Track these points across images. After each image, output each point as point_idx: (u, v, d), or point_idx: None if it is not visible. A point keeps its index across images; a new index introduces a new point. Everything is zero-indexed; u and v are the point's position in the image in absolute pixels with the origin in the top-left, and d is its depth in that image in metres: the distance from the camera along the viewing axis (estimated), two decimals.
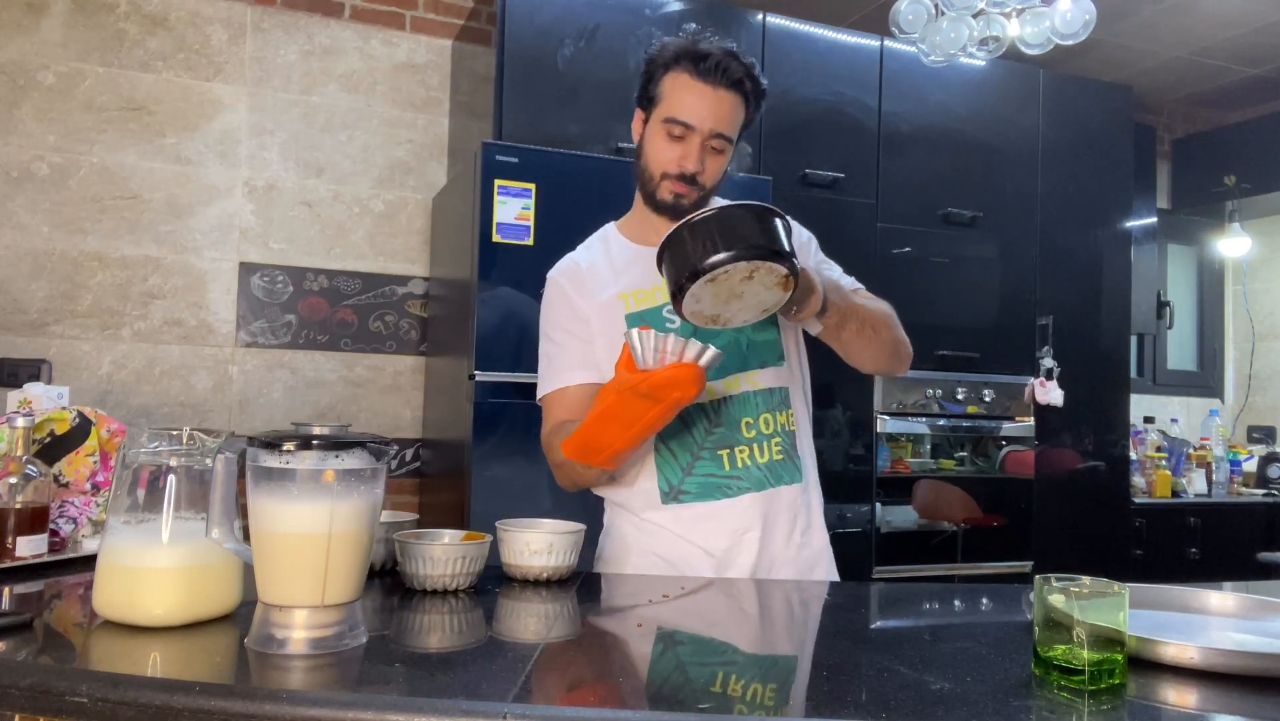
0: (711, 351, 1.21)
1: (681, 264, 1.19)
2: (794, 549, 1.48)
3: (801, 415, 1.53)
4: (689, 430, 1.44)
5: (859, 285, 1.59)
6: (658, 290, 1.46)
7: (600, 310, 1.48)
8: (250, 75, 3.04)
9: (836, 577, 1.53)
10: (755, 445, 1.46)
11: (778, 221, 1.22)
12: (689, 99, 1.40)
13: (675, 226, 1.22)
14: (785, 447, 1.48)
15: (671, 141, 1.42)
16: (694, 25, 1.46)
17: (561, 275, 1.54)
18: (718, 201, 1.57)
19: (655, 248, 1.43)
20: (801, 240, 1.57)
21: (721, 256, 1.16)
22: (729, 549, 1.44)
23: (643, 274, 1.48)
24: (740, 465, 1.45)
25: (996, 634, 1.11)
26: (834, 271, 1.58)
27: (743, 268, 1.17)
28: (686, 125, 1.40)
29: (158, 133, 2.93)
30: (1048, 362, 3.31)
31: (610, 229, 1.58)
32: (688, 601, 1.23)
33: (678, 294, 1.20)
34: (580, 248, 1.58)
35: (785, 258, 1.19)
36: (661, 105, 1.43)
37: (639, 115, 1.49)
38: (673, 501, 1.45)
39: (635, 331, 1.23)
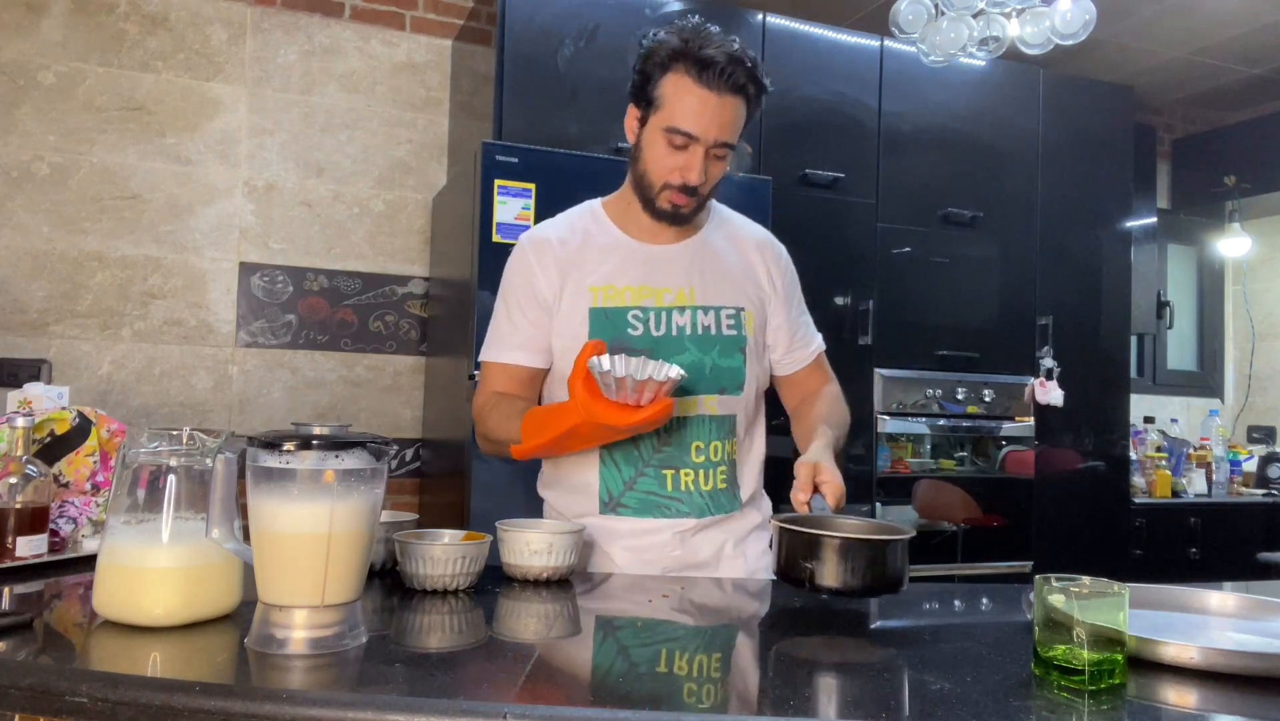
0: (676, 371, 1.22)
1: (802, 559, 1.11)
2: (721, 569, 1.46)
3: (747, 443, 1.51)
4: (636, 445, 1.42)
5: (820, 346, 1.60)
6: (629, 290, 1.43)
7: (565, 294, 1.43)
8: (250, 75, 3.04)
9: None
10: (701, 470, 1.43)
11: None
12: (692, 106, 1.33)
13: (830, 536, 1.10)
14: (728, 477, 1.47)
15: (673, 150, 1.36)
16: (695, 18, 1.39)
17: (531, 247, 1.47)
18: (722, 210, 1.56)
19: (639, 241, 1.45)
20: (785, 280, 1.56)
21: (835, 586, 1.09)
22: (656, 565, 1.43)
23: (618, 267, 1.44)
24: (683, 488, 1.43)
25: (996, 634, 1.11)
26: (807, 323, 1.60)
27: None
28: (689, 135, 1.34)
29: (158, 133, 2.93)
30: (1048, 363, 3.31)
31: (597, 207, 1.51)
32: (688, 601, 1.23)
33: (790, 568, 1.13)
34: (560, 217, 1.51)
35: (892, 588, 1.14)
36: (662, 111, 1.36)
37: (633, 112, 1.41)
38: (610, 512, 1.43)
39: (599, 363, 1.21)
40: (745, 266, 1.52)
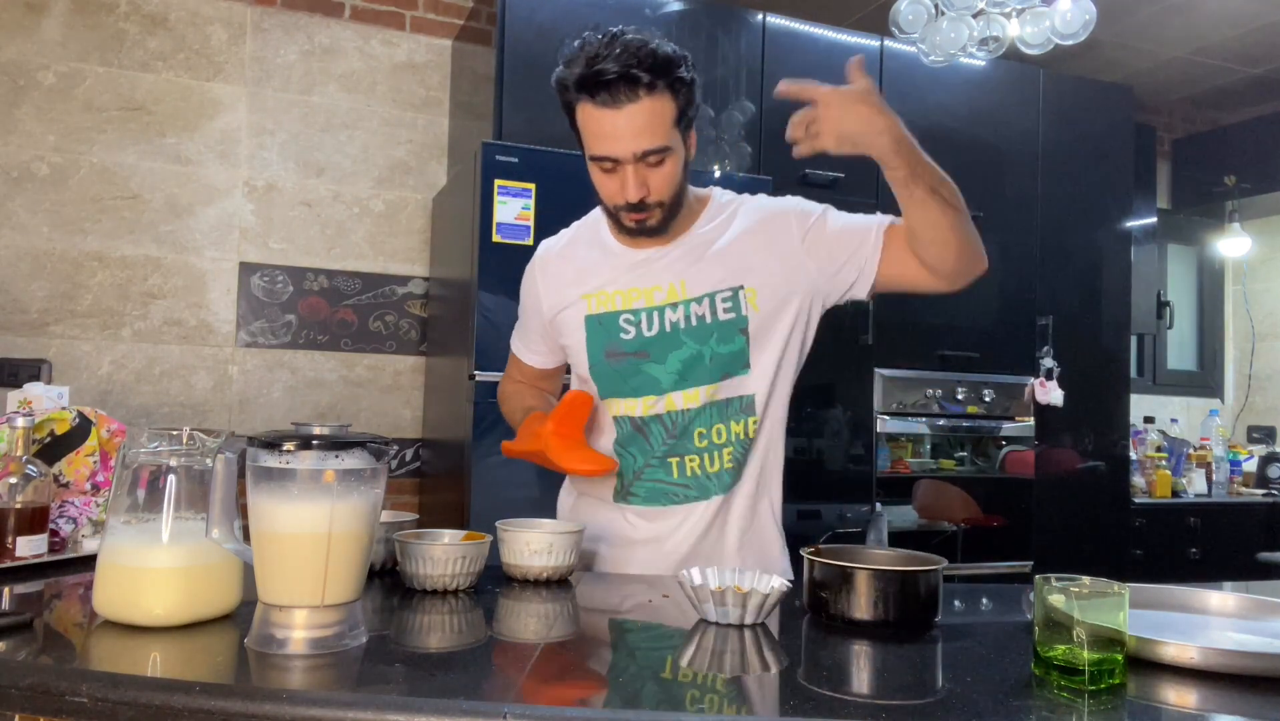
0: (780, 582, 1.11)
1: (829, 590, 1.09)
2: (737, 557, 1.45)
3: (768, 420, 1.47)
4: (647, 439, 1.45)
5: (879, 221, 1.55)
6: (619, 294, 1.45)
7: (565, 305, 1.50)
8: (250, 75, 3.04)
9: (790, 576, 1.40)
10: (705, 455, 1.44)
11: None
12: (601, 130, 1.32)
13: (857, 567, 1.08)
14: (736, 456, 1.45)
15: (606, 176, 1.37)
16: (587, 33, 1.35)
17: (537, 264, 1.58)
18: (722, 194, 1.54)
19: (629, 247, 1.47)
20: (814, 223, 1.50)
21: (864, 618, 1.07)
22: (665, 551, 1.44)
23: (611, 274, 1.46)
24: (689, 473, 1.44)
25: (996, 634, 1.11)
26: (855, 227, 1.53)
27: None
28: (609, 159, 1.33)
29: (158, 133, 2.93)
30: (1048, 363, 3.31)
31: (599, 217, 1.52)
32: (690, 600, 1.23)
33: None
34: (568, 229, 1.58)
35: None
36: (585, 141, 1.37)
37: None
38: (621, 500, 1.47)
39: (689, 578, 1.10)
40: (752, 242, 1.45)
